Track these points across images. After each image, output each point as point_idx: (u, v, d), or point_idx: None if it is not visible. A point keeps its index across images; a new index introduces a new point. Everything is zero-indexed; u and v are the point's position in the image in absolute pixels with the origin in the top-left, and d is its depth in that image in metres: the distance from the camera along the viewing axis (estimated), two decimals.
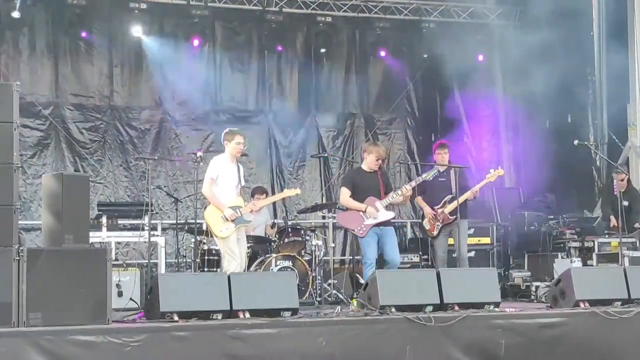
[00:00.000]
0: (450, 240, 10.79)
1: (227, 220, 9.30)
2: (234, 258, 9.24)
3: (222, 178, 9.46)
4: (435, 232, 10.68)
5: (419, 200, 10.83)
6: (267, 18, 14.01)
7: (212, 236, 9.77)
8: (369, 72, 15.09)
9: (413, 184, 10.31)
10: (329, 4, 14.21)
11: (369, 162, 10.17)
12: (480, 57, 14.79)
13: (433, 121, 15.29)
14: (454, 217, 10.46)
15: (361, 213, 9.94)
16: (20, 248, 7.23)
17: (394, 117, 15.24)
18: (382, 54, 14.84)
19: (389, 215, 10.07)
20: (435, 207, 10.64)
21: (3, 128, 7.30)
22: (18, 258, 7.15)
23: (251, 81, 14.53)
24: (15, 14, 12.84)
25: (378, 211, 9.92)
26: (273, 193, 14.14)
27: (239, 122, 14.30)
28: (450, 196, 10.53)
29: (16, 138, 7.34)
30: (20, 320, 7.08)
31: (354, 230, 10.08)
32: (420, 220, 11.16)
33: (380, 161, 10.18)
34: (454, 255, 10.82)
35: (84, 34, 13.41)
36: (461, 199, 10.42)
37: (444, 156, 10.73)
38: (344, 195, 10.15)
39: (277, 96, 14.69)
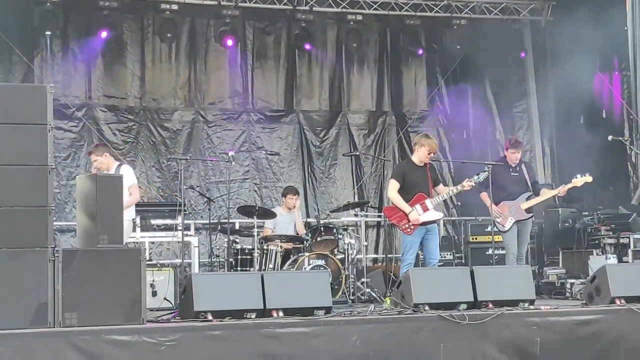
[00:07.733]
0: None
1: None
2: None
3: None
4: (507, 227, 10.33)
5: (483, 196, 10.34)
6: (297, 17, 13.99)
7: None
8: (400, 70, 15.03)
9: (470, 183, 9.81)
10: (360, 2, 14.15)
11: (420, 155, 9.86)
12: (512, 54, 14.68)
13: (465, 118, 15.18)
14: (530, 214, 10.42)
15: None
16: (56, 249, 7.29)
17: (426, 115, 15.16)
18: (413, 51, 14.77)
19: (437, 215, 9.87)
20: (512, 202, 10.32)
21: (38, 130, 7.34)
22: (53, 259, 7.21)
23: (282, 80, 14.53)
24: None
25: (427, 210, 9.65)
26: (305, 193, 14.18)
27: (270, 121, 14.37)
28: (529, 194, 10.45)
29: (51, 140, 7.38)
30: (56, 320, 7.14)
31: (400, 227, 9.84)
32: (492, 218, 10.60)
33: (432, 154, 9.86)
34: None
35: (116, 36, 13.45)
36: (544, 198, 10.39)
37: (511, 155, 10.50)
38: (393, 189, 9.82)
39: (308, 95, 14.68)
